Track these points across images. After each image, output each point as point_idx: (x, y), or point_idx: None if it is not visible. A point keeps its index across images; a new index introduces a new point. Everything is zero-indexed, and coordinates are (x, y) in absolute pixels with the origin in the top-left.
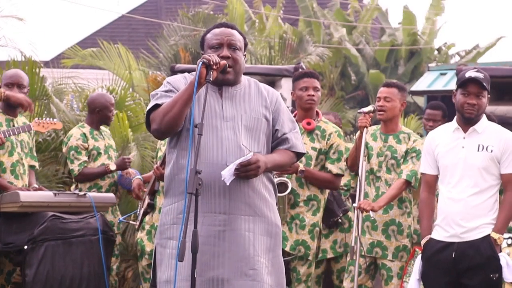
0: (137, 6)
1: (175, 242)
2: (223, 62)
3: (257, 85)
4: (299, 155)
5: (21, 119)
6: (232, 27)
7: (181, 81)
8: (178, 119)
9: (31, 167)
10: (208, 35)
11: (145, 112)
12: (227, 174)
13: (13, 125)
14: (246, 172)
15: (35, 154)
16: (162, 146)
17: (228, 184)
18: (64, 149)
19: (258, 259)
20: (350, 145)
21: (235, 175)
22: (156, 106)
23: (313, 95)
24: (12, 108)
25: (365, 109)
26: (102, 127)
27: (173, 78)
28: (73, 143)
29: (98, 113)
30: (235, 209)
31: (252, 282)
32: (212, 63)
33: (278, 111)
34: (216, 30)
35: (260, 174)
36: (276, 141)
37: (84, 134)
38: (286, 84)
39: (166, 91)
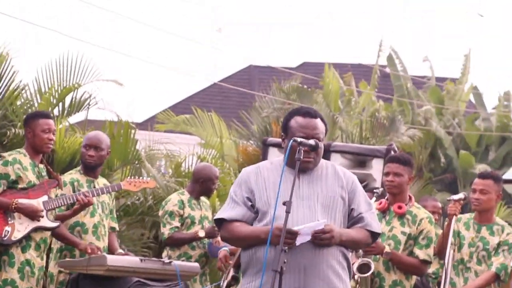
0: (230, 75)
1: None
2: None
3: (334, 168)
4: (374, 235)
5: (101, 181)
6: (316, 117)
7: (251, 176)
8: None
9: (112, 229)
10: (293, 123)
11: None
12: (301, 229)
13: (94, 186)
14: (320, 240)
15: (115, 215)
16: None
17: (297, 244)
18: (160, 213)
19: None
20: (439, 230)
21: (312, 241)
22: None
23: (392, 181)
24: (92, 169)
25: (456, 197)
26: (202, 198)
27: (247, 172)
28: (169, 208)
29: (201, 184)
30: (310, 284)
31: None
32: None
33: (354, 191)
34: (301, 121)
35: (334, 244)
36: (352, 220)
37: (182, 201)
38: (377, 165)
39: (235, 200)
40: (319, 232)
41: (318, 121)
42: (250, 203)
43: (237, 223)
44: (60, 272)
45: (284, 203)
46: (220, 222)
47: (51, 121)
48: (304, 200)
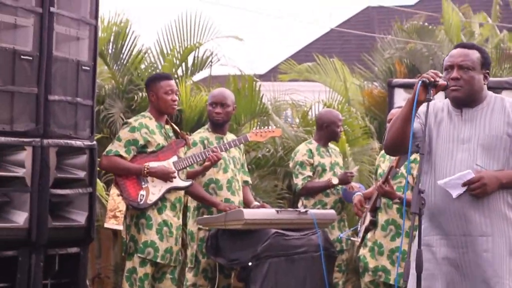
0: (349, 18)
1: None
2: (443, 82)
3: (502, 102)
4: None
5: (230, 136)
6: (469, 47)
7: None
8: (398, 136)
9: (245, 182)
10: (446, 58)
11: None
12: (447, 185)
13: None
14: (472, 190)
15: (246, 169)
16: (382, 163)
17: (454, 196)
18: (290, 164)
19: (498, 280)
20: None
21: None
22: None
23: None
24: (220, 126)
25: None
26: (330, 145)
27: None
28: (299, 158)
29: (326, 129)
30: (472, 230)
31: None
32: (431, 79)
33: None
34: (453, 52)
35: (491, 191)
36: None
37: (311, 150)
38: (507, 96)
39: None
40: (466, 183)
41: (470, 51)
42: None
43: None
44: (199, 229)
45: (417, 146)
46: None
47: (172, 82)
48: (465, 144)
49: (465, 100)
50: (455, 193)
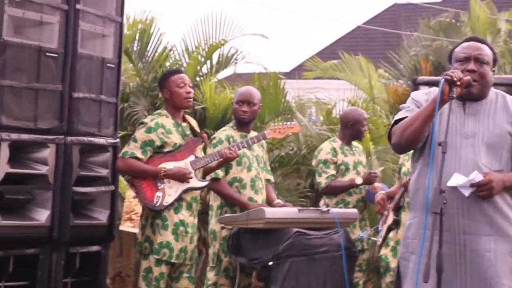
0: (375, 16)
1: (416, 257)
2: (467, 78)
3: (505, 99)
4: None
5: (254, 134)
6: (482, 42)
7: (423, 96)
8: (417, 135)
9: (267, 181)
10: (457, 49)
11: (390, 125)
12: (458, 186)
13: None
14: (479, 192)
15: (269, 167)
16: (406, 161)
17: (466, 195)
18: (313, 163)
19: (498, 280)
20: None
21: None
22: (400, 120)
23: None
24: (245, 124)
25: None
26: (354, 143)
27: (417, 93)
28: (323, 157)
29: (351, 127)
30: (475, 229)
31: None
32: (455, 79)
33: None
34: (465, 44)
35: (496, 194)
36: None
37: (334, 148)
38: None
39: (409, 107)
40: (475, 185)
41: (484, 46)
42: None
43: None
44: (222, 228)
45: (439, 144)
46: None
47: (183, 75)
48: (469, 139)
49: (476, 95)
50: (467, 193)
